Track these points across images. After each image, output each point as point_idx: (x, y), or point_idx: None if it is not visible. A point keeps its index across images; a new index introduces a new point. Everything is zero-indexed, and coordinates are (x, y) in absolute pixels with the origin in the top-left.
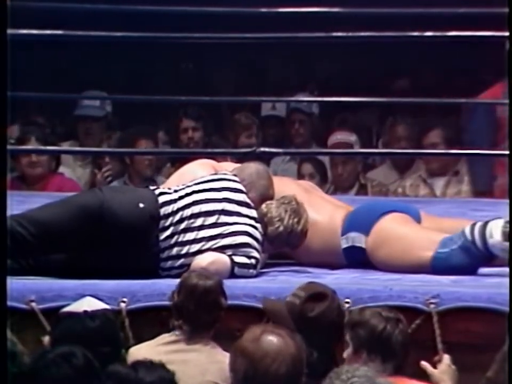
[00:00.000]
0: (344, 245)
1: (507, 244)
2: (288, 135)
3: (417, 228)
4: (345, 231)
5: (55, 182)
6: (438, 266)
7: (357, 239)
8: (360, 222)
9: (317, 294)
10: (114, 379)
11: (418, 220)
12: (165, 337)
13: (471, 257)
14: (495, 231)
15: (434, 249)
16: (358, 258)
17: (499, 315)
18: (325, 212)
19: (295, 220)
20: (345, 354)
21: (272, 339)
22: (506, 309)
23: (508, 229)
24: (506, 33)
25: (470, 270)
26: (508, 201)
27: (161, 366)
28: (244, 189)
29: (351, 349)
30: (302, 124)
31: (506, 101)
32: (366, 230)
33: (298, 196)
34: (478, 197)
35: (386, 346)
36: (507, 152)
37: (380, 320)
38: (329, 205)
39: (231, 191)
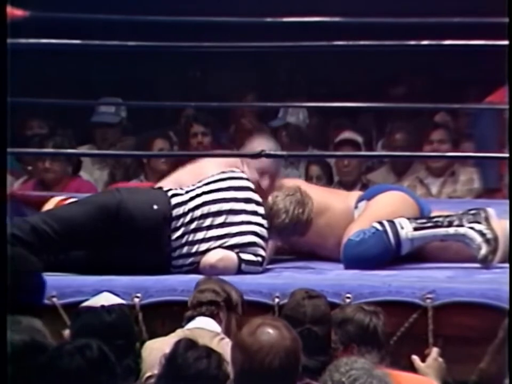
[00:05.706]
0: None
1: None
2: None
3: (395, 213)
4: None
5: (73, 185)
6: (348, 252)
7: (362, 207)
8: (371, 192)
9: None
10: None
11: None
12: (178, 332)
13: (381, 247)
14: (404, 223)
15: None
16: None
17: (491, 309)
18: (339, 196)
19: (300, 210)
20: (337, 352)
21: (267, 332)
22: (499, 303)
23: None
24: (505, 42)
25: (378, 261)
26: (507, 201)
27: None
28: (251, 186)
29: (340, 346)
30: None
31: (506, 106)
32: (369, 198)
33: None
34: (488, 194)
35: (374, 337)
36: (507, 155)
37: (365, 314)
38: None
39: (238, 190)
